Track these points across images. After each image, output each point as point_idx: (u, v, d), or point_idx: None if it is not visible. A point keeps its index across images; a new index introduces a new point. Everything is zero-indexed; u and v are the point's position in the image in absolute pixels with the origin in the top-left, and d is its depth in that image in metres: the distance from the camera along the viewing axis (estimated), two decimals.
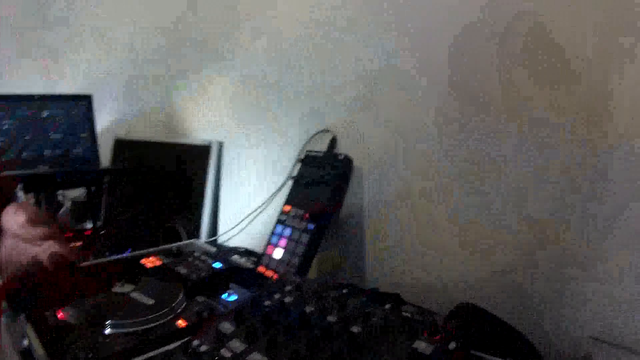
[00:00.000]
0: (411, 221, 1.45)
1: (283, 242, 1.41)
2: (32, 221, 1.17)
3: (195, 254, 1.45)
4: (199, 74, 2.19)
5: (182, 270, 1.34)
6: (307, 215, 1.36)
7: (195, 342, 0.96)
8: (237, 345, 0.95)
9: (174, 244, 1.59)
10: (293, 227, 1.40)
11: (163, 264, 1.40)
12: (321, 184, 1.37)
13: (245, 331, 0.98)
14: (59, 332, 1.04)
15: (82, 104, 2.30)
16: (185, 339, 0.99)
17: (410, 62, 1.43)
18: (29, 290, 1.14)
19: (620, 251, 1.13)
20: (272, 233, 1.47)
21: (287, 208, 1.44)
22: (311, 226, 1.35)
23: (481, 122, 1.30)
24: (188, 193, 2.08)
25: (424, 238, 1.43)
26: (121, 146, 2.46)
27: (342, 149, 1.54)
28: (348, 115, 1.57)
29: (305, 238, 1.36)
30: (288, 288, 1.16)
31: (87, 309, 1.11)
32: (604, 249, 1.15)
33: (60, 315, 1.10)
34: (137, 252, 1.49)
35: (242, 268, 1.42)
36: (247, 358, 0.91)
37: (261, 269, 1.41)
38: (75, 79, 2.82)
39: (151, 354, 0.99)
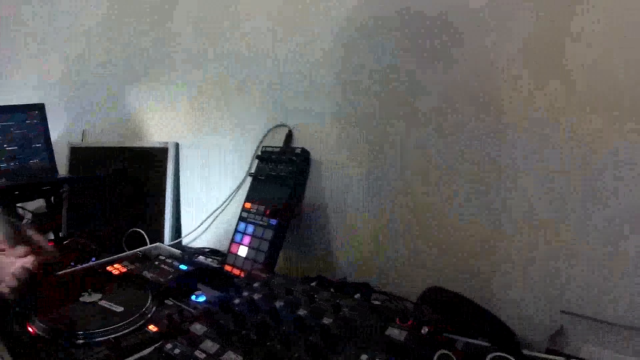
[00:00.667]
0: (374, 210, 1.47)
1: (247, 239, 1.40)
2: (10, 238, 1.15)
3: (161, 257, 1.44)
4: (151, 77, 2.17)
5: (149, 274, 1.33)
6: (268, 211, 1.36)
7: (168, 346, 0.96)
8: (210, 345, 0.95)
9: (138, 249, 1.59)
10: (256, 224, 1.40)
11: (129, 270, 1.39)
12: (280, 179, 1.37)
13: (217, 331, 0.99)
14: (30, 347, 1.03)
15: (35, 113, 2.27)
16: (158, 344, 0.99)
17: (361, 54, 1.44)
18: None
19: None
20: (236, 231, 1.46)
21: (248, 205, 1.44)
22: (273, 222, 1.35)
23: (432, 112, 1.31)
24: (148, 196, 2.06)
25: (389, 226, 1.45)
26: (77, 153, 2.43)
27: (300, 143, 1.55)
28: (304, 109, 1.58)
29: (268, 234, 1.36)
30: (256, 285, 1.16)
31: (57, 321, 1.10)
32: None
33: (30, 329, 1.08)
34: (102, 260, 1.48)
35: (209, 268, 1.42)
36: (221, 358, 0.91)
37: (227, 268, 1.41)
38: (24, 89, 2.78)
39: None
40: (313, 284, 1.17)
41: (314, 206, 1.55)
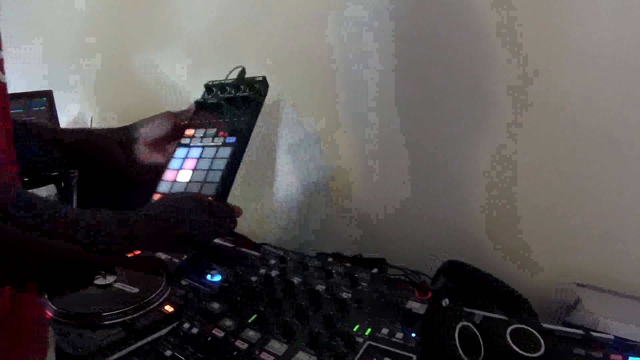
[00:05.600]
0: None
1: (191, 163, 1.20)
2: None
3: None
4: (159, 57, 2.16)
5: (163, 255, 1.33)
6: (223, 132, 1.22)
7: (186, 325, 0.95)
8: (228, 323, 0.94)
9: None
10: (204, 146, 1.21)
11: (142, 252, 1.37)
12: (236, 102, 1.24)
13: (235, 309, 0.98)
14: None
15: (43, 100, 2.26)
16: (175, 324, 0.98)
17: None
18: None
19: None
20: (172, 158, 1.24)
21: (190, 132, 1.26)
22: (231, 139, 1.17)
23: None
24: None
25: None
26: None
27: None
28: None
29: (224, 152, 1.16)
30: (272, 262, 1.15)
31: (71, 304, 1.08)
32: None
33: (46, 313, 1.07)
34: None
35: (223, 247, 1.40)
36: (240, 335, 0.90)
37: (156, 196, 1.20)
38: (30, 75, 2.76)
39: (142, 342, 0.98)
40: (329, 259, 1.16)
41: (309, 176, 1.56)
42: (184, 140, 1.24)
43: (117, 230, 0.83)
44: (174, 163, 1.21)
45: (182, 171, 1.18)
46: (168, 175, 1.20)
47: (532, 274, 1.26)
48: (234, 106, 1.19)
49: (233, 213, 1.09)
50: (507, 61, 1.22)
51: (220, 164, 1.13)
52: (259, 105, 1.19)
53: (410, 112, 1.40)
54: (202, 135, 1.22)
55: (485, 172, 1.31)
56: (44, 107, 2.26)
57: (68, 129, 1.47)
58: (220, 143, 1.17)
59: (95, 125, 2.47)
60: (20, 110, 2.20)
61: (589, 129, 1.14)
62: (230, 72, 1.25)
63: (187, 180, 1.15)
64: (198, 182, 1.13)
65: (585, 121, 1.14)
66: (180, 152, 1.22)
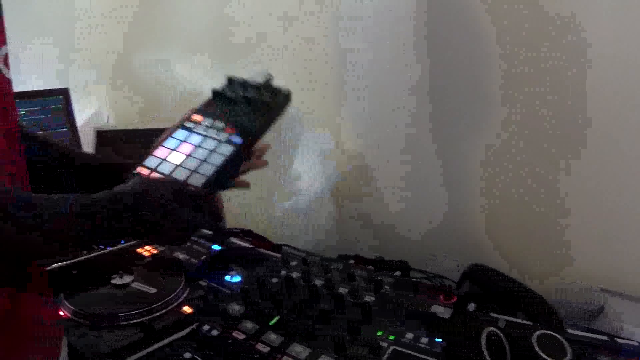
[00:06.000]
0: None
1: (187, 147, 1.11)
2: None
3: (193, 238, 1.41)
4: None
5: (181, 255, 1.31)
6: (231, 129, 1.16)
7: (205, 327, 0.94)
8: (249, 326, 0.93)
9: None
10: (206, 137, 1.12)
11: (160, 251, 1.36)
12: (255, 104, 1.19)
13: (256, 311, 0.96)
14: (65, 331, 0.99)
15: (59, 98, 2.24)
16: (194, 325, 0.97)
17: None
18: None
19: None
20: (170, 137, 1.15)
21: (198, 117, 1.17)
22: (237, 139, 1.09)
23: None
24: None
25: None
26: (104, 138, 2.40)
27: None
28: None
29: (226, 149, 1.08)
30: (293, 264, 1.14)
31: (88, 304, 1.07)
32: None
33: (60, 312, 1.06)
34: (132, 242, 1.45)
35: (242, 248, 1.38)
36: (261, 338, 0.89)
37: (142, 170, 1.08)
38: (46, 73, 2.76)
39: (160, 343, 0.96)
40: (351, 261, 1.14)
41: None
42: (188, 124, 1.16)
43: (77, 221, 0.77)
44: (170, 142, 1.12)
45: (175, 152, 1.10)
46: (160, 151, 1.11)
47: (555, 278, 1.24)
48: (250, 108, 1.15)
49: (216, 207, 1.06)
50: (507, 61, 1.22)
51: (217, 160, 1.05)
52: (275, 116, 1.13)
53: (420, 110, 1.40)
54: (208, 125, 1.14)
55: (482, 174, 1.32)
56: (60, 105, 2.25)
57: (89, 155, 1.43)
58: (224, 139, 1.10)
59: (111, 122, 2.46)
60: (37, 108, 2.19)
61: (589, 129, 1.14)
62: (257, 74, 1.21)
63: (178, 164, 1.06)
64: (188, 169, 1.04)
65: (585, 121, 1.14)
66: (179, 133, 1.14)
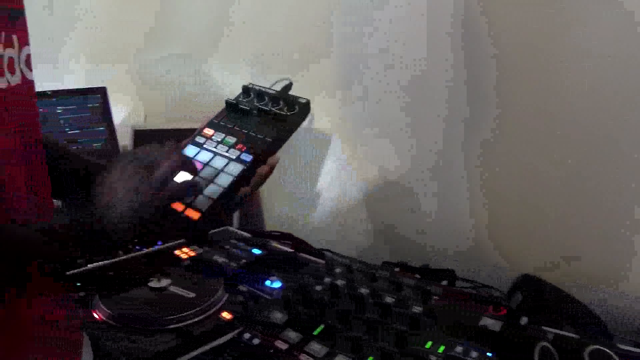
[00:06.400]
0: None
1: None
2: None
3: (232, 241, 1.39)
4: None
5: (220, 259, 1.28)
6: (241, 146, 1.11)
7: (247, 336, 0.91)
8: (292, 335, 0.89)
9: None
10: (216, 153, 1.06)
11: (198, 254, 1.33)
12: (270, 116, 1.12)
13: (299, 320, 0.92)
14: (99, 334, 0.98)
15: (97, 96, 2.24)
16: (234, 332, 0.94)
17: None
18: None
19: None
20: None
21: (210, 132, 1.12)
22: (247, 157, 1.03)
23: None
24: None
25: None
26: (141, 137, 2.39)
27: None
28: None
29: (236, 169, 1.02)
30: (338, 270, 1.10)
31: (125, 308, 1.05)
32: None
33: (95, 315, 1.04)
34: (169, 244, 1.43)
35: (284, 253, 1.35)
36: (304, 348, 0.86)
37: None
38: (82, 70, 2.77)
39: (198, 351, 0.93)
40: (396, 269, 1.11)
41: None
42: (199, 139, 1.12)
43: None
44: None
45: (182, 172, 1.02)
46: None
47: (604, 291, 1.22)
48: (265, 120, 1.09)
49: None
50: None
51: (226, 181, 0.99)
52: (292, 128, 1.07)
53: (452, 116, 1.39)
54: (219, 140, 1.09)
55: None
56: (97, 105, 2.25)
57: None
58: (234, 157, 1.04)
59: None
60: (74, 107, 2.19)
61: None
62: (276, 82, 1.16)
63: (180, 181, 0.99)
64: (193, 183, 0.99)
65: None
66: (190, 150, 1.09)
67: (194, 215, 0.92)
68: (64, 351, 0.87)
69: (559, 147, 1.22)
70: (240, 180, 0.99)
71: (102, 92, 2.26)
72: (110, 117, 2.27)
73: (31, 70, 0.80)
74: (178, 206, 0.94)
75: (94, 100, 2.26)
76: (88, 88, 2.27)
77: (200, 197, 0.96)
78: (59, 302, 0.89)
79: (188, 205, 0.93)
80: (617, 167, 1.15)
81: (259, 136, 1.06)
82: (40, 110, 2.06)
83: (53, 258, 0.81)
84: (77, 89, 2.26)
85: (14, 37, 0.77)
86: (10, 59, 0.76)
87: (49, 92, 2.16)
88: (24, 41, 0.79)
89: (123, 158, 0.90)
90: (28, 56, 0.80)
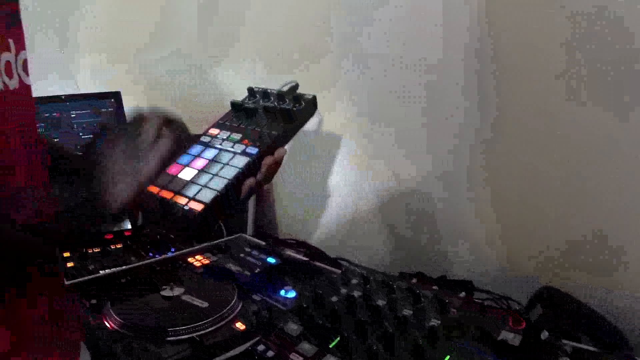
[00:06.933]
0: None
1: (200, 162, 1.08)
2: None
3: (246, 249, 1.37)
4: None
5: (234, 267, 1.27)
6: (247, 140, 1.10)
7: (261, 347, 0.89)
8: (307, 347, 0.88)
9: (220, 240, 1.51)
10: (221, 149, 1.08)
11: (212, 262, 1.32)
12: (275, 114, 1.12)
13: (315, 331, 0.91)
14: (110, 343, 0.96)
15: (111, 101, 2.24)
16: (248, 344, 0.92)
17: None
18: None
19: None
20: (184, 152, 1.12)
21: (215, 131, 1.15)
22: (252, 150, 1.03)
23: None
24: None
25: None
26: None
27: None
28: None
29: (241, 161, 1.02)
30: (354, 281, 1.08)
31: (137, 316, 1.03)
32: None
33: (107, 323, 1.02)
34: (182, 251, 1.41)
35: (299, 262, 1.33)
36: None
37: (152, 189, 1.03)
38: (96, 74, 2.77)
39: None
40: (414, 280, 1.09)
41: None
42: (205, 138, 1.14)
43: None
44: (184, 158, 1.09)
45: (187, 168, 1.06)
46: (172, 168, 1.06)
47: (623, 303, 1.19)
48: (271, 117, 1.09)
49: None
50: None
51: (230, 173, 1.00)
52: (298, 124, 1.08)
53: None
54: (224, 137, 1.11)
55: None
56: (111, 109, 2.24)
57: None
58: (240, 151, 1.05)
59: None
60: (88, 111, 2.19)
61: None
62: (283, 85, 1.16)
63: (188, 179, 1.03)
64: (198, 184, 1.00)
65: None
66: (195, 149, 1.11)
67: (197, 207, 0.92)
68: (64, 351, 0.86)
69: (559, 147, 1.21)
70: (246, 172, 0.99)
71: (116, 96, 2.26)
72: (125, 122, 2.26)
73: (28, 74, 0.80)
74: (167, 194, 0.97)
75: (108, 105, 2.25)
76: (102, 92, 2.27)
77: (203, 189, 0.97)
78: (59, 302, 0.87)
79: (191, 198, 0.94)
80: (617, 167, 1.14)
81: (265, 131, 1.07)
82: (54, 114, 2.08)
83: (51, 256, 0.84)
84: (91, 94, 2.26)
85: (10, 42, 0.77)
86: (8, 63, 0.76)
87: (63, 97, 2.16)
88: (21, 45, 0.79)
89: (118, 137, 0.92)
90: (25, 61, 0.79)
